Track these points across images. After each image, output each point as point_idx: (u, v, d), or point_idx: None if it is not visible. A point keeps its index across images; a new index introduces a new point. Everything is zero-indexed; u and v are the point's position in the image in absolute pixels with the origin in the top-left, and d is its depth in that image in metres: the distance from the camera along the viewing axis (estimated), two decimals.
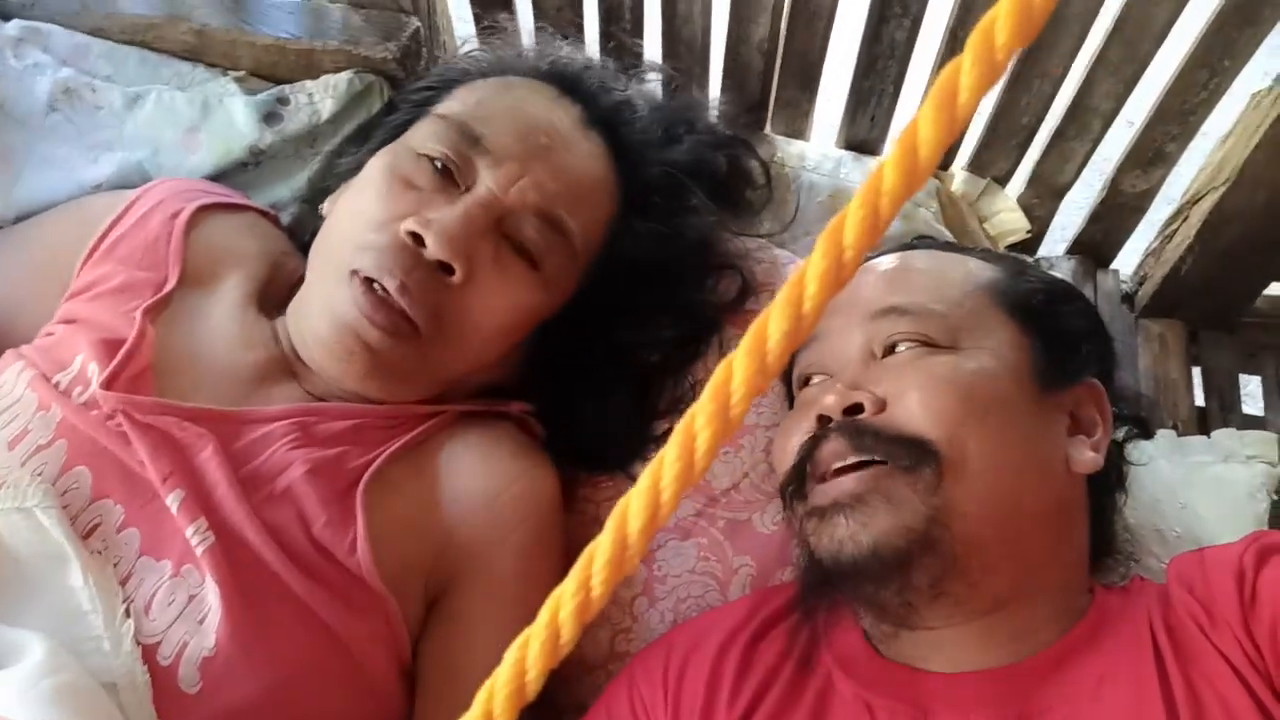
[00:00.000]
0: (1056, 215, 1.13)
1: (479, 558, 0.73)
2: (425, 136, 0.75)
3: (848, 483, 0.62)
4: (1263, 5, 0.88)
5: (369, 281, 0.69)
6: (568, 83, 0.82)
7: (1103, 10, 0.93)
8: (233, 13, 1.01)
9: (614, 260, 0.80)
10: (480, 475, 0.75)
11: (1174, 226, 1.05)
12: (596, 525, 0.87)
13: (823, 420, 0.66)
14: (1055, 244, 1.17)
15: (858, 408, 0.65)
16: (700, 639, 0.70)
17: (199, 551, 0.63)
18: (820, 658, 0.66)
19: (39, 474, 0.65)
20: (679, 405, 0.86)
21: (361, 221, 0.72)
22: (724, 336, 0.89)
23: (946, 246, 0.81)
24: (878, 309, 0.68)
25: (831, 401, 0.65)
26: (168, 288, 0.76)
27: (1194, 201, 1.02)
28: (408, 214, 0.70)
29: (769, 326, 0.22)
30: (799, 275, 0.22)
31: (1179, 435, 0.94)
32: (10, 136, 0.93)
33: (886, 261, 0.74)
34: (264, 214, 0.89)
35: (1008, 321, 0.69)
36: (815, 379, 0.72)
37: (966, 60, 0.22)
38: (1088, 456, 0.66)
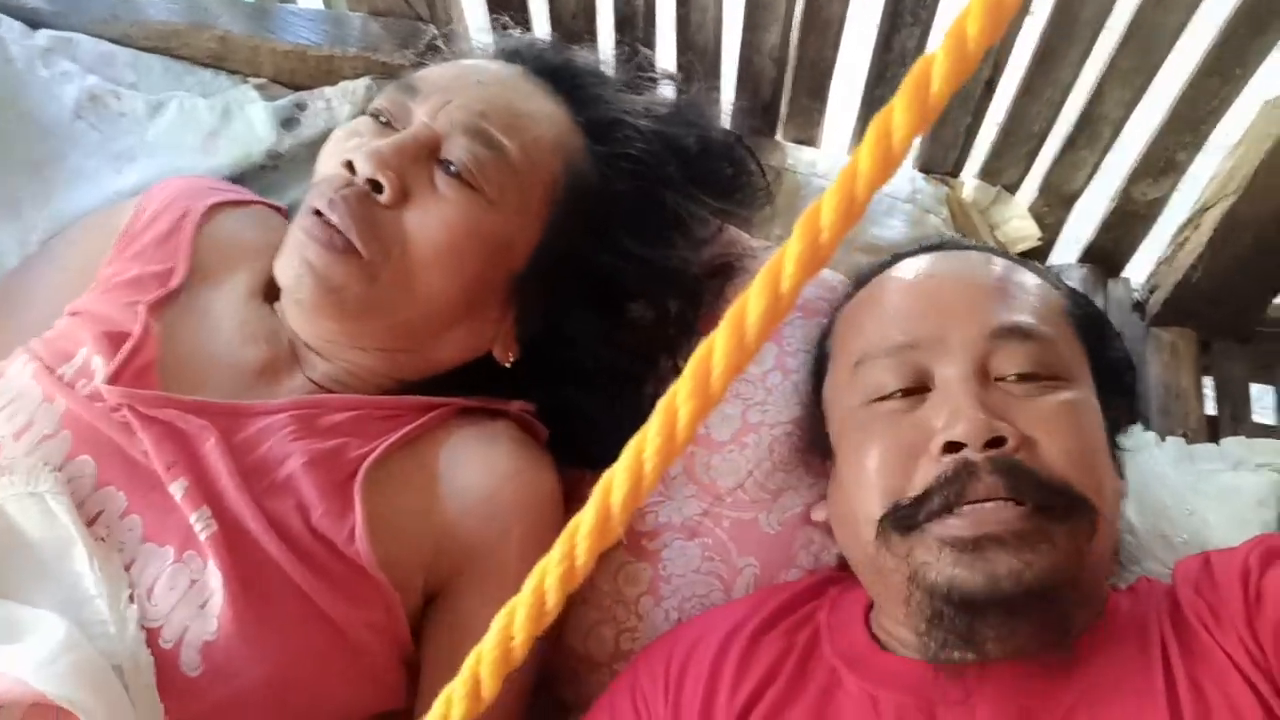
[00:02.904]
0: (1068, 223, 1.13)
1: (477, 554, 0.74)
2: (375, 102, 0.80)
3: (1009, 517, 0.59)
4: (1274, 14, 0.88)
5: (313, 211, 0.73)
6: (508, 53, 0.86)
7: (1113, 18, 0.94)
8: (255, 20, 1.03)
9: (584, 196, 0.79)
10: (479, 471, 0.75)
11: (1185, 234, 1.05)
12: None
13: (952, 447, 0.61)
14: (1067, 252, 1.17)
15: (999, 440, 0.61)
16: (702, 636, 0.70)
17: (202, 538, 0.64)
18: (822, 653, 0.67)
19: (46, 463, 0.66)
20: None
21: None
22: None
23: (991, 251, 0.79)
24: (998, 325, 0.64)
25: (969, 431, 0.60)
26: (174, 283, 0.77)
27: (1205, 209, 1.02)
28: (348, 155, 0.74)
29: (748, 306, 0.23)
30: (778, 257, 0.23)
31: (1188, 443, 0.94)
32: (40, 146, 0.95)
33: (994, 268, 0.70)
34: (274, 208, 0.91)
35: (1084, 352, 0.68)
36: (895, 394, 0.66)
37: (940, 53, 0.23)
38: (1120, 486, 0.68)
